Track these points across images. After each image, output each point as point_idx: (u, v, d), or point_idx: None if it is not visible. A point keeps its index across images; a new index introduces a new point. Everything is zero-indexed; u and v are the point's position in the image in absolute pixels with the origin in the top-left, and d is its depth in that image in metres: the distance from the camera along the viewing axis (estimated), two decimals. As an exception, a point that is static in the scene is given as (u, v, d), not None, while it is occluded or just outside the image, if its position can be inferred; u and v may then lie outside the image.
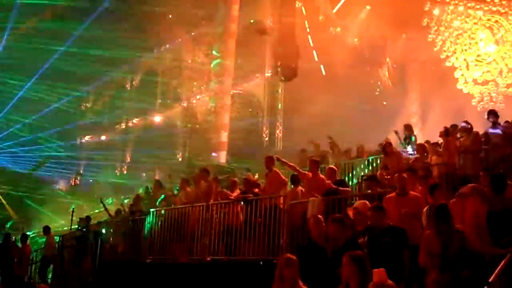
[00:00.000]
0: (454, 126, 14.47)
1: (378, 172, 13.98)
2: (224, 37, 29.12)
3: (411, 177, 10.39)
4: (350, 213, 9.36)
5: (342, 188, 11.98)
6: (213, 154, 27.28)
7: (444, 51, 26.26)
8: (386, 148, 14.38)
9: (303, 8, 29.83)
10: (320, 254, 8.11)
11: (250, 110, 31.27)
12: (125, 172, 39.05)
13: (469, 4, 25.96)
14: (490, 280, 6.77)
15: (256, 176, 16.48)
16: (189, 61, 30.34)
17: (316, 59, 30.33)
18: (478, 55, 25.92)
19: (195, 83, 30.47)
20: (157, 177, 25.58)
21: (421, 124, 26.74)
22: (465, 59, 26.02)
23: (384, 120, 26.72)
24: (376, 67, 31.92)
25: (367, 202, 9.32)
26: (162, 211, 15.39)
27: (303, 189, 12.89)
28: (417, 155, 14.34)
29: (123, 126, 40.43)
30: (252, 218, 12.50)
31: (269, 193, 13.01)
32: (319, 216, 9.07)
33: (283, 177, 13.48)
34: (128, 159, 39.57)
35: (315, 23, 30.58)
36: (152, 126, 37.71)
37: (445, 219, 7.49)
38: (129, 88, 39.78)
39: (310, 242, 8.75)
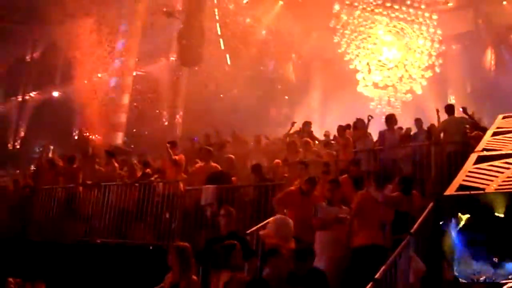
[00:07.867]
0: (348, 126, 15.09)
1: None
2: (130, 16, 28.53)
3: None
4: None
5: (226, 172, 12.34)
6: (111, 134, 26.76)
7: (348, 53, 26.83)
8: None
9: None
10: None
11: (151, 93, 30.78)
12: (18, 147, 37.80)
13: (376, 10, 26.59)
14: (411, 231, 7.49)
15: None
16: (93, 38, 29.51)
17: (223, 47, 30.28)
18: (379, 60, 26.62)
19: (97, 60, 29.67)
20: (51, 154, 24.82)
21: (320, 121, 27.18)
22: (368, 63, 26.66)
23: (285, 114, 27.15)
24: (281, 61, 32.26)
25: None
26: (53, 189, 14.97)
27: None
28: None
29: (20, 99, 39.05)
30: (146, 201, 12.45)
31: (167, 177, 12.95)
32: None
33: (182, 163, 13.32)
34: (22, 134, 38.29)
35: (225, 11, 30.51)
36: (51, 101, 36.63)
37: None
38: (29, 60, 38.47)
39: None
